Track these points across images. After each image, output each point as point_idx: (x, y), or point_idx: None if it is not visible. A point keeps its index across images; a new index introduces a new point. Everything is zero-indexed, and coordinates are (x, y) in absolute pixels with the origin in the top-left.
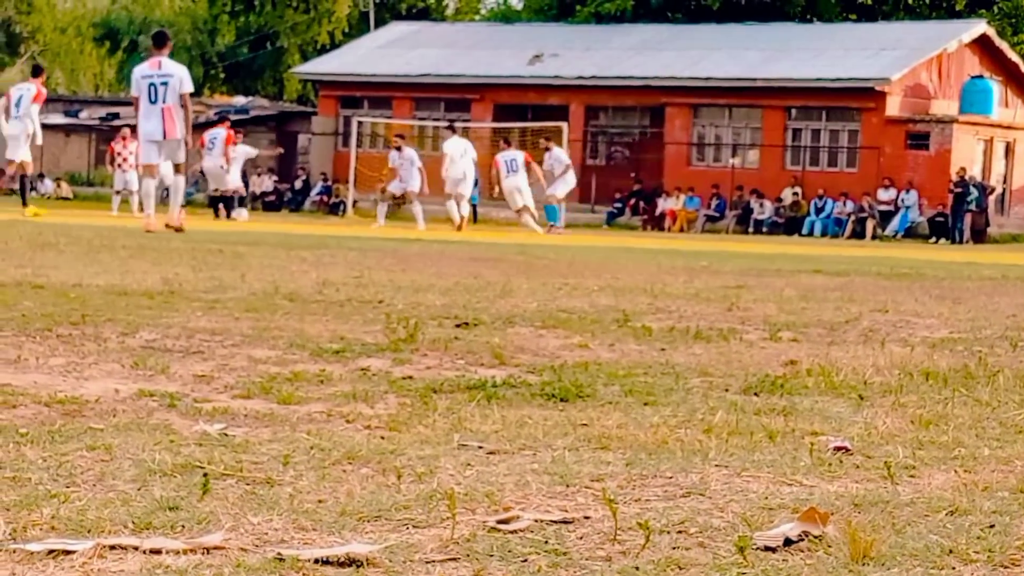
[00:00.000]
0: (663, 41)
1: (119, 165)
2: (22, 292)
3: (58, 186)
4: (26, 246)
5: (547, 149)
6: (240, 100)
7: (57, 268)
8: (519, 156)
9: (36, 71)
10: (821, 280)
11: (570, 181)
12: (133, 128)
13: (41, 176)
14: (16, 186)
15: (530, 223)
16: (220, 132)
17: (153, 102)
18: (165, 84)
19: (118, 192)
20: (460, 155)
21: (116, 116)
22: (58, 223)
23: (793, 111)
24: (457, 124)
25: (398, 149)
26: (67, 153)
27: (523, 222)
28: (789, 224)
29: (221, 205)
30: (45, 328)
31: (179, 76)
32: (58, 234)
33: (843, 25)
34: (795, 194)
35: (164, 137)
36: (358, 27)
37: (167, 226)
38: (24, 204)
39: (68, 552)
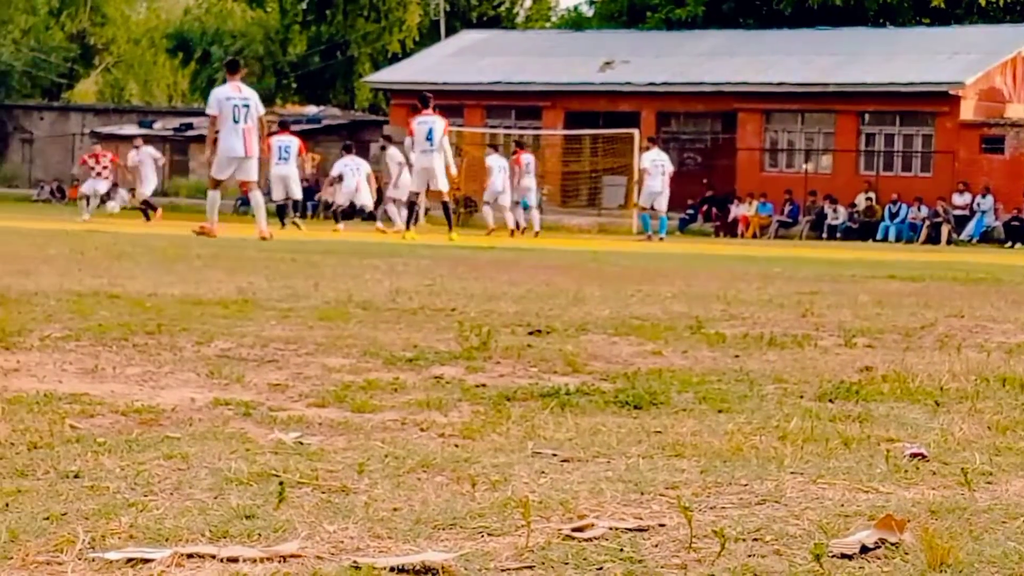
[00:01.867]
0: (735, 47)
1: (98, 173)
2: (99, 302)
3: (132, 196)
4: (102, 256)
5: (646, 149)
6: (312, 109)
7: (133, 278)
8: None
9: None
10: (896, 286)
11: (651, 187)
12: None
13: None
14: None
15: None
16: (293, 141)
17: (236, 122)
18: (247, 107)
19: (86, 197)
20: (499, 168)
21: (190, 126)
22: (133, 233)
23: (866, 116)
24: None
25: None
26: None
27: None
28: (863, 229)
29: (292, 212)
30: (121, 338)
31: (256, 100)
32: (133, 244)
33: (916, 29)
34: (869, 199)
35: (245, 155)
36: (429, 36)
37: (261, 238)
38: (407, 227)
39: (146, 561)
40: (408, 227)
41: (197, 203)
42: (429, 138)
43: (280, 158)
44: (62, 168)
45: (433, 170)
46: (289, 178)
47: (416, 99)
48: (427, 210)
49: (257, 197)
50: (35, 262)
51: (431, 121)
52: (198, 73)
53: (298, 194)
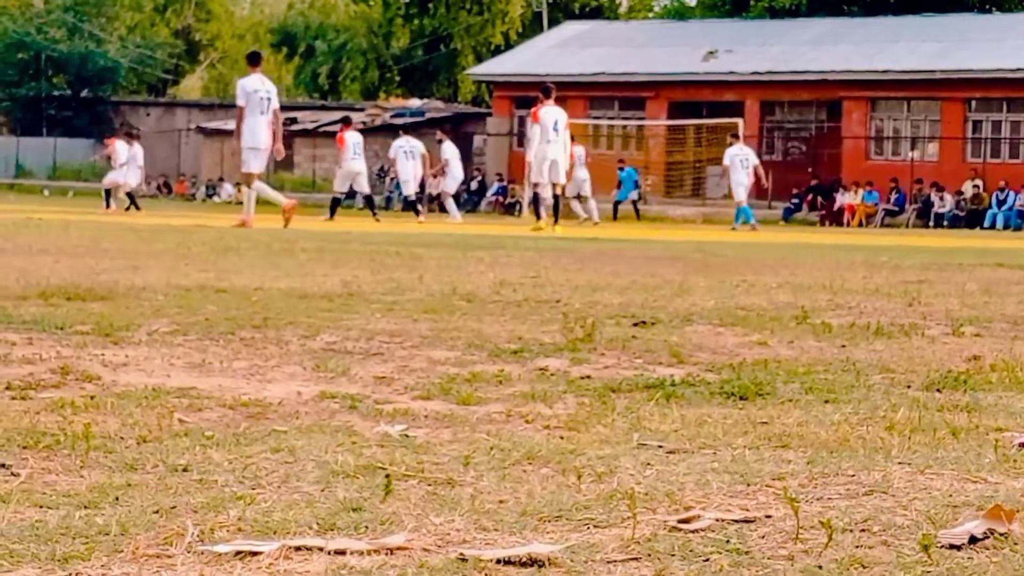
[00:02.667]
0: (839, 34)
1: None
2: (205, 296)
3: (238, 191)
4: (208, 251)
5: (729, 144)
6: (415, 102)
7: (239, 272)
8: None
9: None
10: (1004, 273)
11: (738, 180)
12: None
13: (221, 180)
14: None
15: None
16: (360, 137)
17: (262, 114)
18: (269, 99)
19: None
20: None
21: (294, 120)
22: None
23: (973, 103)
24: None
25: None
26: None
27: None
28: (970, 217)
29: (416, 205)
30: (228, 332)
31: (275, 93)
32: (239, 238)
33: (1022, 14)
34: (976, 187)
35: (267, 147)
36: (531, 27)
37: (240, 224)
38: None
39: (254, 553)
40: (540, 217)
41: (301, 197)
42: (555, 128)
43: (355, 154)
44: (169, 164)
45: (557, 161)
46: (361, 174)
47: (534, 90)
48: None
49: (257, 187)
50: (143, 257)
51: (556, 112)
52: (302, 68)
53: (367, 189)
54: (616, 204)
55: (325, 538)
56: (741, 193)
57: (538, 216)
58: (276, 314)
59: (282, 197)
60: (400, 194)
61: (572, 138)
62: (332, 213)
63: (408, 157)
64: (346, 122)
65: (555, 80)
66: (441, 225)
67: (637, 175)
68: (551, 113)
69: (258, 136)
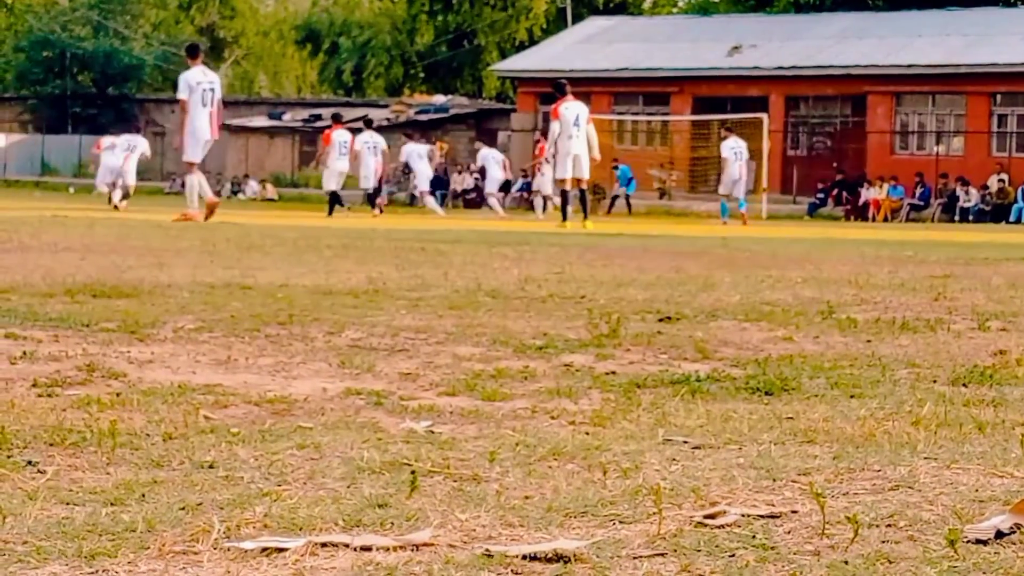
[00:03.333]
0: (864, 29)
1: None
2: (231, 293)
3: (263, 188)
4: (233, 248)
5: (724, 138)
6: (440, 99)
7: (264, 269)
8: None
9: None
10: None
11: (731, 174)
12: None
13: (246, 177)
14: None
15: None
16: (349, 136)
17: (204, 106)
18: (213, 91)
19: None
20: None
21: (319, 118)
22: (263, 224)
23: (998, 96)
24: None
25: None
26: (271, 155)
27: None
28: (996, 212)
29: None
30: (253, 328)
31: (219, 84)
32: (264, 235)
33: None
34: (1001, 181)
35: (212, 137)
36: (555, 23)
37: (181, 217)
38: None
39: (281, 550)
40: (565, 217)
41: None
42: (577, 123)
43: (341, 153)
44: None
45: (580, 156)
46: (345, 173)
47: (550, 86)
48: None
49: (198, 179)
50: (168, 254)
51: (577, 107)
52: (327, 64)
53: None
54: (614, 199)
55: (351, 534)
56: (740, 189)
57: (564, 216)
58: (301, 311)
59: (210, 193)
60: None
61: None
62: (331, 210)
63: (372, 152)
64: (336, 120)
65: (579, 76)
66: (412, 219)
67: (631, 172)
68: (572, 108)
69: (201, 127)
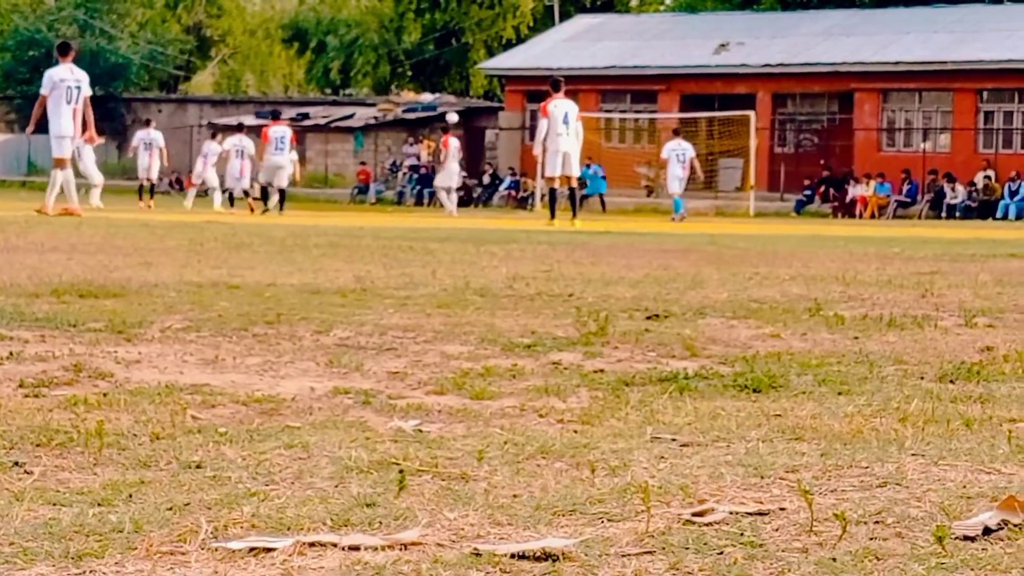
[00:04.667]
0: (851, 26)
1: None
2: (218, 292)
3: (251, 186)
4: (221, 247)
5: (669, 139)
6: (427, 97)
7: (252, 268)
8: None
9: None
10: (1017, 264)
11: (674, 172)
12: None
13: None
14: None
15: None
16: (288, 131)
17: (68, 103)
18: (79, 88)
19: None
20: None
21: (306, 116)
22: (251, 223)
23: (985, 93)
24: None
25: None
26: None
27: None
28: (983, 208)
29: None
30: (241, 328)
31: (86, 82)
32: (251, 234)
33: None
34: (988, 178)
35: (74, 134)
36: (543, 21)
37: (66, 211)
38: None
39: (269, 549)
40: (554, 216)
41: (313, 192)
42: (566, 121)
43: (277, 148)
44: (180, 160)
45: (570, 154)
46: (283, 168)
47: (546, 84)
48: (543, 195)
49: (65, 175)
50: (155, 253)
51: (567, 104)
52: (314, 63)
53: (286, 183)
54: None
55: (339, 534)
56: (676, 186)
57: (552, 214)
58: (289, 310)
59: (73, 196)
60: (414, 188)
61: (446, 131)
62: (266, 203)
63: (239, 156)
64: (274, 116)
65: (567, 74)
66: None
67: (603, 171)
68: (561, 106)
69: (63, 124)
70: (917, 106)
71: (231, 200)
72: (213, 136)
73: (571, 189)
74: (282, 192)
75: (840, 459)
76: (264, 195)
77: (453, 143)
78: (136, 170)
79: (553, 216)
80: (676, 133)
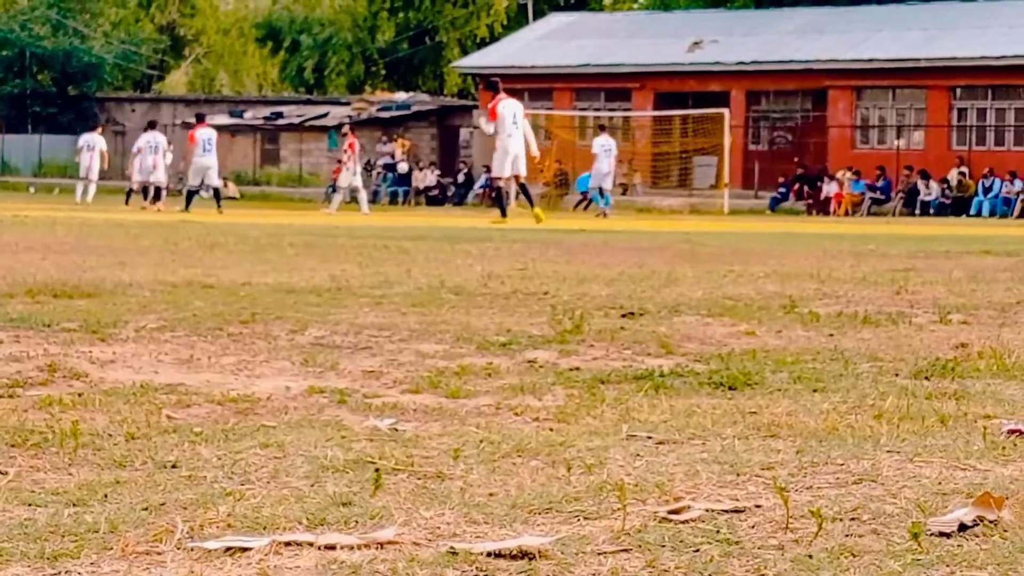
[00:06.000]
0: (824, 23)
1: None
2: (193, 292)
3: (225, 186)
4: (195, 246)
5: (596, 135)
6: (401, 96)
7: (226, 267)
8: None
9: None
10: (991, 261)
11: (600, 168)
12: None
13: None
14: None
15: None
16: (213, 133)
17: None
18: None
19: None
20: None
21: (280, 115)
22: (226, 223)
23: (958, 90)
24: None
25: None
26: (233, 153)
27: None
28: (956, 205)
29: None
30: (216, 327)
31: None
32: (226, 234)
33: (1007, 2)
34: (962, 174)
35: None
36: (516, 20)
37: None
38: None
39: (244, 549)
40: (504, 215)
41: (287, 191)
42: (515, 121)
43: (204, 150)
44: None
45: (519, 155)
46: (211, 168)
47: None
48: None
49: None
50: (130, 253)
51: (513, 104)
52: (288, 62)
53: (216, 182)
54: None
55: (315, 533)
56: (609, 182)
57: (503, 213)
58: (264, 309)
59: None
60: (389, 187)
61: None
62: (188, 205)
63: (152, 151)
64: (199, 119)
65: (540, 72)
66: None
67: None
68: (509, 106)
69: None
70: (891, 103)
71: (144, 194)
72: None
73: (522, 184)
74: (217, 191)
75: (816, 456)
76: (191, 195)
77: (357, 146)
78: (131, 172)
79: (504, 214)
80: (603, 129)
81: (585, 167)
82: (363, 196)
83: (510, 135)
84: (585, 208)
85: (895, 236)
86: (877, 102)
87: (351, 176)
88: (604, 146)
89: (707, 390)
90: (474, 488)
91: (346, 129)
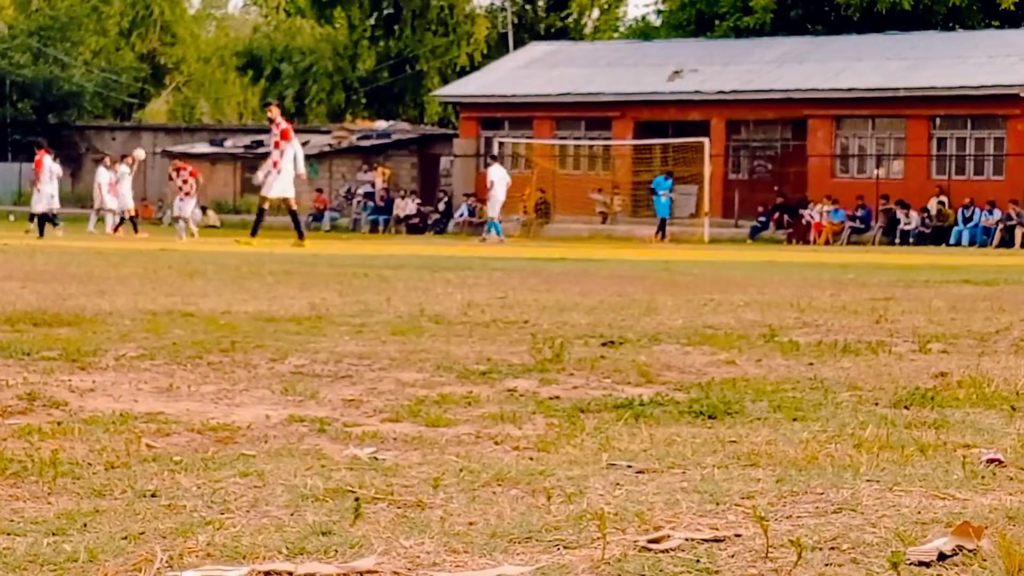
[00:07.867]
0: (803, 53)
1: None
2: (172, 320)
3: (205, 214)
4: (175, 274)
5: (488, 165)
6: (381, 124)
7: (206, 296)
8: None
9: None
10: (970, 290)
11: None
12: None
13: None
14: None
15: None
16: (55, 163)
17: None
18: None
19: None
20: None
21: (260, 144)
22: (206, 251)
23: (937, 120)
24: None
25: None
26: (214, 182)
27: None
28: (936, 234)
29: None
30: (196, 356)
31: None
32: (206, 262)
33: (986, 32)
34: (941, 203)
35: None
36: (497, 48)
37: None
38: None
39: None
40: (254, 234)
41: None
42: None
43: (50, 177)
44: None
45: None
46: (55, 196)
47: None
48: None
49: None
50: (110, 282)
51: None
52: (268, 90)
53: (56, 207)
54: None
55: (295, 562)
56: (497, 209)
57: (254, 232)
58: (244, 337)
59: None
60: (369, 216)
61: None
62: (42, 231)
63: (50, 179)
64: (39, 146)
65: (521, 101)
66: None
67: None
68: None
69: None
70: (870, 132)
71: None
72: (98, 162)
73: (292, 211)
74: (52, 217)
75: (795, 485)
76: (45, 220)
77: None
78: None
79: (254, 234)
80: (494, 159)
81: (568, 196)
82: (181, 225)
83: (294, 157)
84: (662, 238)
85: (875, 265)
86: (857, 131)
87: (181, 203)
88: (501, 176)
89: (687, 419)
90: (454, 517)
91: (180, 164)
